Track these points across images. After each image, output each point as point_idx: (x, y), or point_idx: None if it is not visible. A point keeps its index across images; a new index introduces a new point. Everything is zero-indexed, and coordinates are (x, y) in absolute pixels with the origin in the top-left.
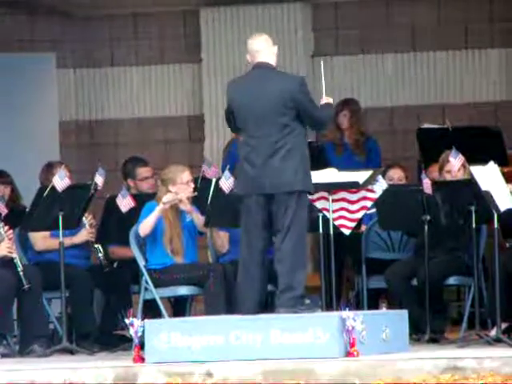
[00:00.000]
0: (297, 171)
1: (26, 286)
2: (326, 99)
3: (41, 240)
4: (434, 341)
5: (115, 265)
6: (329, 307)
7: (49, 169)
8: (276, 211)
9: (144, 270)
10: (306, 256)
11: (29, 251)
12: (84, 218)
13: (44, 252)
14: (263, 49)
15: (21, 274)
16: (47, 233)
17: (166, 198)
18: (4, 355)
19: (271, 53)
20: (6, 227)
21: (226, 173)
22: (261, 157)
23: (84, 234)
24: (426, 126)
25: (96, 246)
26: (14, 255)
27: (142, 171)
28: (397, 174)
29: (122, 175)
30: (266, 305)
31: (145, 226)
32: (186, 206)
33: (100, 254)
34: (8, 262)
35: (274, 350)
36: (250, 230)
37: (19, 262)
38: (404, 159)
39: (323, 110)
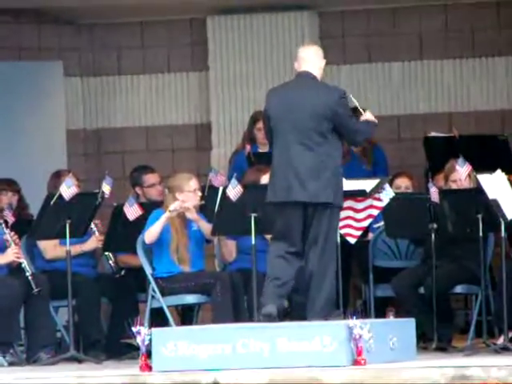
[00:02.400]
0: (327, 185)
1: (36, 290)
2: (367, 115)
3: (51, 248)
4: (441, 349)
5: (123, 272)
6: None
7: (57, 177)
8: (307, 221)
9: (151, 279)
10: (335, 266)
11: (36, 259)
12: (93, 225)
13: (52, 260)
14: (310, 58)
15: (30, 278)
16: (57, 241)
17: (173, 206)
18: (11, 363)
19: (317, 65)
20: (13, 233)
21: (233, 181)
22: (293, 165)
23: (93, 241)
24: (432, 134)
25: (106, 252)
26: (22, 260)
27: (149, 178)
28: (404, 183)
29: (130, 184)
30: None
31: (151, 234)
32: (193, 215)
33: (110, 261)
34: (15, 270)
35: (282, 358)
36: (284, 236)
37: (27, 267)
38: (411, 167)
39: (361, 126)
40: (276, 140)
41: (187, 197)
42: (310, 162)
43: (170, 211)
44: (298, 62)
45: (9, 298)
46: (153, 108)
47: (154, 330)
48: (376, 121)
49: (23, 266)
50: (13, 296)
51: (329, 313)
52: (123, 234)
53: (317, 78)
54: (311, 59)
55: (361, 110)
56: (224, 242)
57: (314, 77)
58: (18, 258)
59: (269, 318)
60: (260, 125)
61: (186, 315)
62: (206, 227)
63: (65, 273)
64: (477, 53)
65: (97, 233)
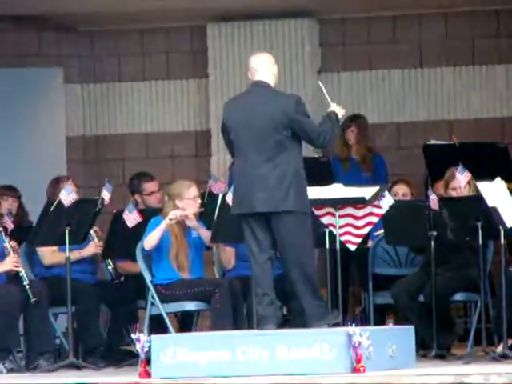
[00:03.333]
0: (288, 191)
1: (33, 300)
2: (332, 107)
3: (49, 254)
4: (440, 357)
5: (122, 279)
6: (336, 323)
7: (56, 184)
8: (274, 230)
9: (150, 286)
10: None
11: (36, 266)
12: (92, 232)
13: (51, 267)
14: (262, 67)
15: (27, 287)
16: (55, 247)
17: (173, 213)
18: (10, 370)
19: (270, 72)
20: (12, 241)
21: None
22: (254, 175)
23: (92, 248)
24: (432, 142)
25: (108, 261)
26: (20, 269)
27: (149, 186)
28: (402, 190)
29: (129, 191)
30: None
31: (150, 240)
32: (193, 222)
33: (110, 267)
34: (14, 277)
35: (281, 365)
36: (251, 248)
37: (25, 276)
38: (411, 175)
39: (322, 127)
40: (236, 152)
41: (187, 204)
42: (269, 172)
43: (169, 219)
44: (251, 72)
45: (8, 305)
46: (153, 115)
47: (153, 336)
48: (343, 111)
49: (21, 274)
50: (12, 303)
51: (324, 315)
52: (123, 241)
53: (271, 86)
54: (263, 67)
55: (329, 99)
56: (223, 249)
57: (268, 85)
58: (16, 266)
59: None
60: None
61: (186, 322)
62: (205, 234)
63: (64, 279)
64: (476, 61)
65: (96, 239)
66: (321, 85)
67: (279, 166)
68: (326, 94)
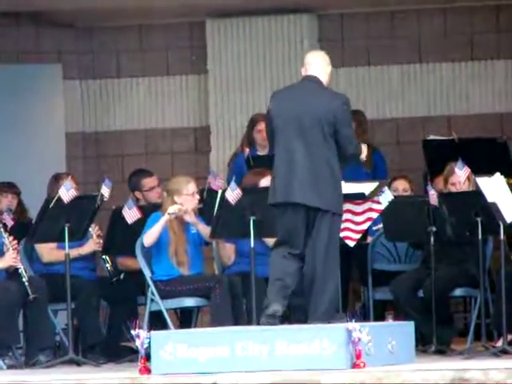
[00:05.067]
0: (326, 192)
1: (32, 296)
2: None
3: (48, 251)
4: (440, 352)
5: (122, 276)
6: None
7: (56, 180)
8: (309, 224)
9: (150, 282)
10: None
11: (35, 263)
12: (91, 229)
13: (50, 264)
14: (316, 63)
15: (26, 284)
16: (54, 244)
17: (172, 209)
18: (10, 366)
19: (323, 70)
20: (11, 237)
21: (232, 184)
22: (293, 167)
23: (91, 245)
24: (431, 137)
25: (104, 256)
26: (19, 265)
27: (148, 182)
28: (401, 186)
29: (129, 188)
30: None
31: (149, 236)
32: (191, 218)
33: (107, 265)
34: (14, 274)
35: (280, 361)
36: (284, 238)
37: (24, 273)
38: (410, 171)
39: (356, 140)
40: (278, 142)
41: (185, 200)
42: (310, 166)
43: (168, 214)
44: (305, 67)
45: (7, 301)
46: (152, 111)
47: (153, 332)
48: (363, 156)
49: (20, 271)
50: (11, 299)
51: (331, 317)
52: (122, 237)
53: (322, 82)
54: (317, 64)
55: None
56: (223, 245)
57: (319, 81)
58: (16, 263)
59: (273, 318)
60: (259, 127)
61: (185, 318)
62: (204, 230)
63: (64, 276)
64: (476, 56)
65: (94, 236)
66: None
67: (320, 161)
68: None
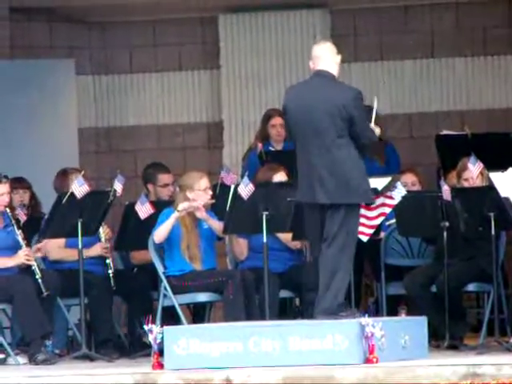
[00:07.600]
0: (342, 185)
1: (45, 294)
2: (371, 126)
3: (55, 250)
4: (453, 347)
5: (135, 270)
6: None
7: (63, 176)
8: (327, 220)
9: (163, 277)
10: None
11: (46, 259)
12: (101, 231)
13: (56, 262)
14: (325, 56)
15: (39, 281)
16: (62, 242)
17: (182, 205)
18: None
19: (333, 62)
20: (22, 234)
21: (245, 179)
22: (313, 167)
23: (98, 249)
24: (444, 132)
25: (107, 261)
26: (32, 263)
27: (164, 178)
28: (410, 179)
29: (143, 180)
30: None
31: (159, 233)
32: (202, 214)
33: (110, 271)
34: (26, 270)
35: (293, 356)
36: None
37: (37, 270)
38: (423, 166)
39: (371, 131)
40: (294, 141)
41: (198, 195)
42: (327, 162)
43: (178, 211)
44: (313, 61)
45: (25, 292)
46: (164, 106)
47: (165, 328)
48: (378, 129)
49: (33, 268)
50: (28, 290)
51: (335, 311)
52: (135, 232)
53: (334, 76)
54: (326, 56)
55: (373, 119)
56: (235, 240)
57: (330, 75)
58: (29, 260)
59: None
60: (273, 122)
61: (198, 313)
62: (216, 226)
63: (76, 271)
64: (489, 51)
65: (103, 239)
66: (375, 103)
67: (337, 157)
68: (374, 113)
